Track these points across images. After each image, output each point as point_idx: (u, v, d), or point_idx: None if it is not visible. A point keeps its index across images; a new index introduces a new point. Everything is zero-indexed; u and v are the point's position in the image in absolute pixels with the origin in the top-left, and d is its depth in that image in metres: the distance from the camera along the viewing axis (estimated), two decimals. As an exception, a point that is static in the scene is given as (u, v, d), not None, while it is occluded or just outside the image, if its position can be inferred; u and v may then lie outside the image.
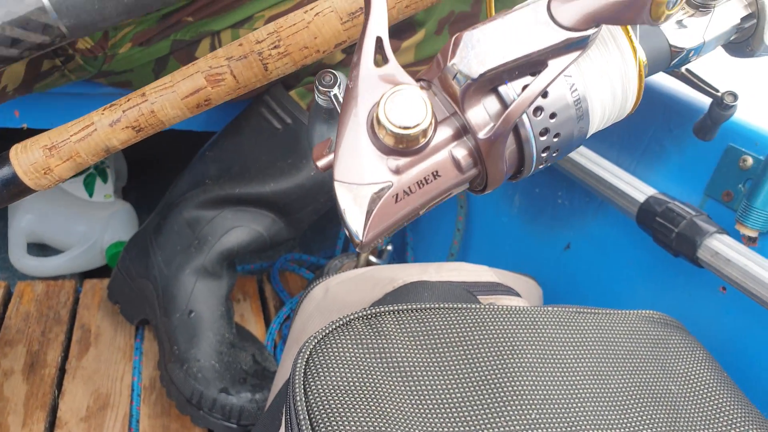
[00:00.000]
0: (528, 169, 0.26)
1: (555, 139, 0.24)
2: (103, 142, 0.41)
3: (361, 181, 0.25)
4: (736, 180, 0.58)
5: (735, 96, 0.42)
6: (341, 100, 0.29)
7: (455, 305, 0.48)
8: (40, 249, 1.03)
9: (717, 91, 0.42)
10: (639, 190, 0.62)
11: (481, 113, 0.24)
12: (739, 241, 0.56)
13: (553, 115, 0.25)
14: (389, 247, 0.89)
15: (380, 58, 0.26)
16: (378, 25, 0.25)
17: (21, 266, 0.96)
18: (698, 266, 0.57)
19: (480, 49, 0.22)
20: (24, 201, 0.98)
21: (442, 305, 0.48)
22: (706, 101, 0.62)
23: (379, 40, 0.25)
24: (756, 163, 0.56)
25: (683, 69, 0.42)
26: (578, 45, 0.21)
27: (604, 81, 0.27)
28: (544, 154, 0.25)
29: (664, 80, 0.68)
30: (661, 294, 0.64)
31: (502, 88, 0.24)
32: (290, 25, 0.42)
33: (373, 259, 0.88)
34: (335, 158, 0.26)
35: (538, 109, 0.24)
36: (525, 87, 0.23)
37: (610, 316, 0.51)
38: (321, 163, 0.28)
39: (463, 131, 0.25)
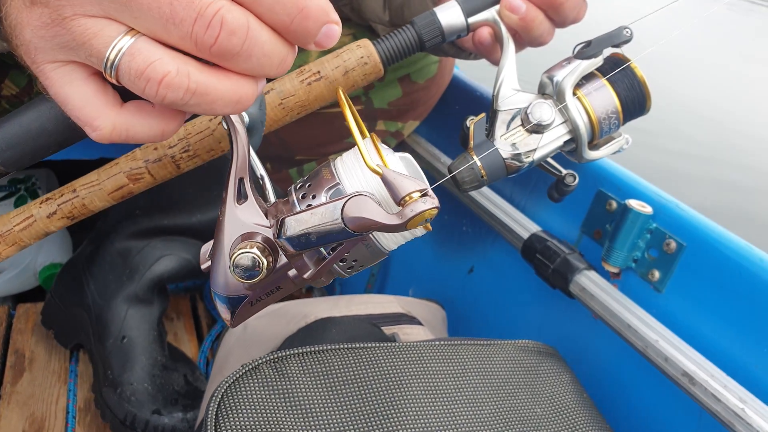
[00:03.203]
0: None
1: (354, 263, 0.33)
2: (42, 230, 0.48)
3: (226, 293, 0.33)
4: (604, 221, 0.67)
5: (574, 177, 0.50)
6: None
7: (353, 345, 0.55)
8: (-29, 272, 1.04)
9: (560, 172, 0.51)
10: (524, 227, 0.70)
11: (305, 263, 0.31)
12: (606, 276, 0.65)
13: (354, 259, 0.32)
14: (315, 268, 0.96)
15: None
16: (240, 169, 0.32)
17: (-48, 291, 0.97)
18: (571, 298, 0.66)
19: (295, 230, 0.29)
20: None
21: (341, 346, 0.55)
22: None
23: (241, 181, 0.32)
24: (619, 207, 0.65)
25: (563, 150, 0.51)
26: (361, 236, 0.29)
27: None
28: (349, 269, 0.33)
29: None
30: (545, 319, 0.73)
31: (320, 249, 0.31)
32: (197, 132, 0.49)
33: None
34: (211, 271, 0.33)
35: (343, 260, 0.32)
36: (334, 248, 0.30)
37: (489, 347, 0.60)
38: (203, 267, 0.34)
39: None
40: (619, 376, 0.65)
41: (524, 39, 0.53)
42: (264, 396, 0.50)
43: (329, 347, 0.55)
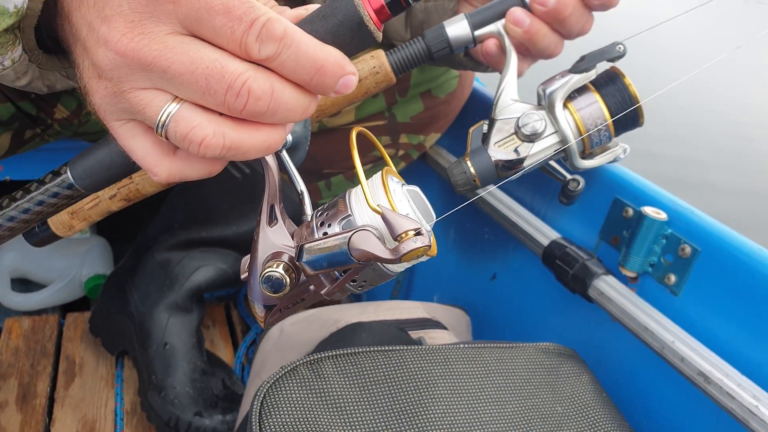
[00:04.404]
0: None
1: (363, 282, 0.37)
2: (106, 209, 0.58)
3: (260, 301, 0.39)
4: (621, 227, 0.70)
5: (578, 182, 0.53)
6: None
7: (383, 348, 0.59)
8: (23, 283, 1.11)
9: (564, 177, 0.54)
10: (544, 234, 0.74)
11: (321, 281, 0.37)
12: (624, 281, 0.68)
13: (363, 280, 0.37)
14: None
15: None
16: (271, 197, 0.38)
17: (7, 302, 1.04)
18: (590, 302, 0.69)
19: (310, 256, 0.35)
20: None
21: (372, 348, 0.59)
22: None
23: (272, 207, 0.38)
24: (635, 213, 0.68)
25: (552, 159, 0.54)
26: (365, 264, 0.34)
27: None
28: (360, 288, 0.38)
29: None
30: (566, 323, 0.76)
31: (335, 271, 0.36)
32: None
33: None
34: (248, 281, 0.38)
35: (354, 280, 0.37)
36: (345, 270, 0.35)
37: (511, 350, 0.63)
38: (242, 277, 0.40)
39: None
40: (638, 377, 0.67)
41: (532, 51, 0.56)
42: (303, 395, 0.54)
43: (361, 350, 0.59)
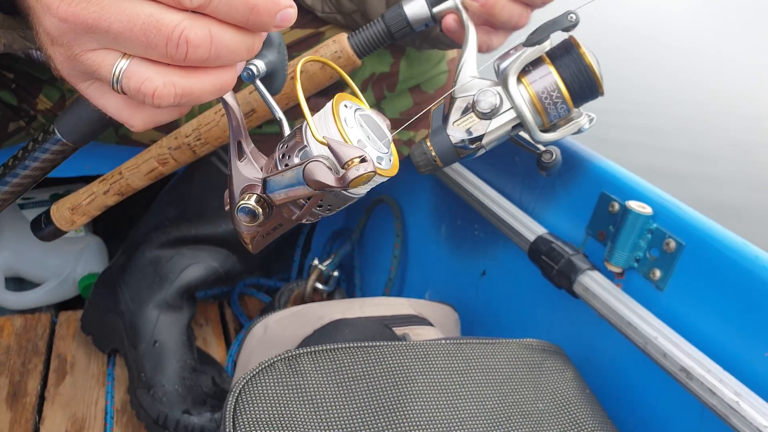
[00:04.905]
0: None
1: (329, 206, 0.39)
2: (102, 203, 0.62)
3: (242, 229, 0.41)
4: (607, 222, 0.69)
5: (551, 154, 0.52)
6: None
7: (362, 344, 0.59)
8: (17, 282, 1.11)
9: (537, 150, 0.53)
10: (530, 229, 0.73)
11: (290, 208, 0.39)
12: (610, 276, 0.67)
13: (329, 204, 0.39)
14: (335, 273, 1.00)
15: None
16: (236, 134, 0.40)
17: (0, 301, 1.04)
18: (576, 298, 0.68)
19: (272, 188, 0.38)
20: (1, 239, 1.07)
21: (351, 345, 0.59)
22: (588, 152, 0.74)
23: (239, 143, 0.40)
24: (620, 208, 0.67)
25: (513, 135, 0.53)
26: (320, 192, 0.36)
27: None
28: (327, 211, 0.40)
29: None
30: (553, 319, 0.75)
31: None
32: (206, 122, 0.60)
33: (319, 285, 0.98)
34: (231, 213, 0.40)
35: (319, 205, 0.39)
36: (309, 197, 0.37)
37: (493, 346, 0.62)
38: (226, 209, 0.42)
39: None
40: (623, 374, 0.67)
41: (496, 24, 0.54)
42: (278, 391, 0.54)
43: (340, 346, 0.58)
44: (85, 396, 0.91)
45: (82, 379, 0.93)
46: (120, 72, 0.33)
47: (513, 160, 0.83)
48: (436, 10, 0.55)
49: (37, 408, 0.88)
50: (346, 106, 0.38)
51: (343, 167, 0.33)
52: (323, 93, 0.82)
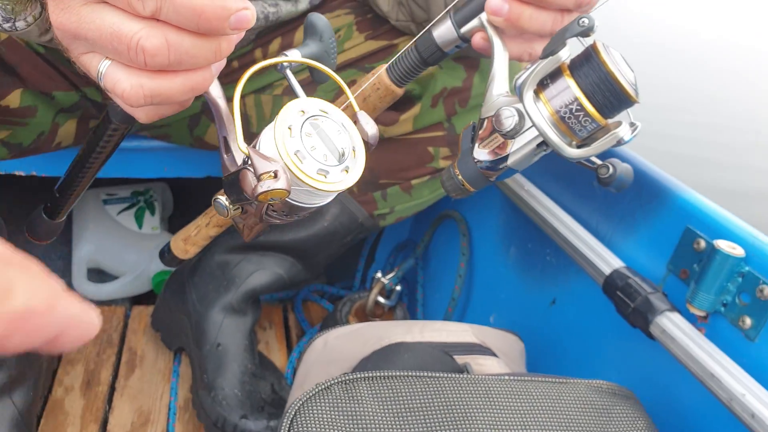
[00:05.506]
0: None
1: (285, 215, 0.39)
2: (206, 234, 0.68)
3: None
4: (691, 260, 0.64)
5: (607, 168, 0.47)
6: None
7: (422, 374, 0.57)
8: (98, 274, 1.17)
9: (594, 164, 0.48)
10: (606, 262, 0.69)
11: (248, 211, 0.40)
12: (692, 320, 0.62)
13: (284, 212, 0.39)
14: (398, 287, 0.98)
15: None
16: (220, 128, 0.41)
17: (81, 291, 1.10)
18: (652, 339, 0.63)
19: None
20: (86, 233, 1.13)
21: (411, 374, 0.57)
22: (672, 181, 0.69)
23: (225, 138, 0.41)
24: (707, 246, 0.62)
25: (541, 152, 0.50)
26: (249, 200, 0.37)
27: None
28: (287, 217, 0.40)
29: (637, 155, 0.74)
30: (625, 359, 0.71)
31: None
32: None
33: (381, 299, 0.97)
34: None
35: (276, 212, 0.39)
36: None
37: (560, 386, 0.59)
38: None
39: None
40: (701, 428, 0.62)
41: (528, 35, 0.51)
42: (333, 416, 0.53)
43: (399, 374, 0.57)
44: (151, 390, 0.94)
45: (150, 373, 0.97)
46: (101, 74, 0.36)
47: (590, 183, 0.79)
48: (463, 30, 0.53)
49: (108, 398, 0.92)
50: (303, 111, 0.37)
51: (258, 179, 0.33)
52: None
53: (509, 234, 0.91)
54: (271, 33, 0.83)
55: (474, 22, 0.52)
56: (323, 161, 0.36)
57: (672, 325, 0.61)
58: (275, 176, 0.33)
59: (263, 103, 0.85)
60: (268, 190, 0.33)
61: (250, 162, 0.35)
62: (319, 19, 0.48)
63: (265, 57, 0.85)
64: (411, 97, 0.81)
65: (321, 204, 0.39)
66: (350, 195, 0.89)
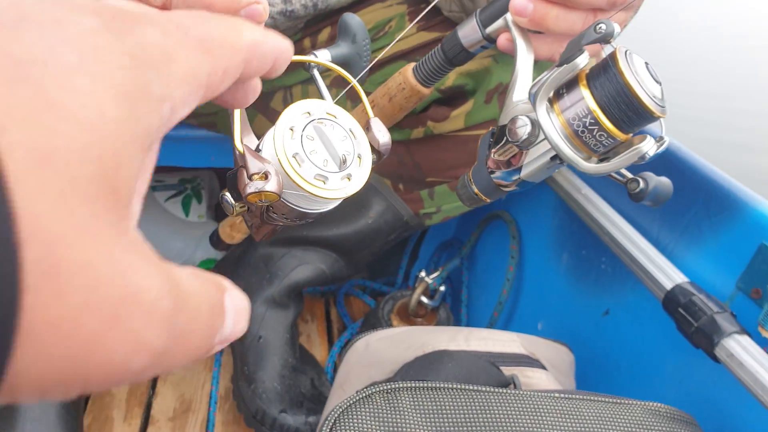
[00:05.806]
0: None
1: (285, 218, 0.37)
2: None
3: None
4: (765, 279, 0.59)
5: (638, 182, 0.43)
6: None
7: (468, 387, 0.55)
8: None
9: (624, 177, 0.44)
10: (667, 276, 0.64)
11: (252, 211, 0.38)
12: (763, 343, 0.58)
13: (283, 214, 0.36)
14: (442, 288, 0.96)
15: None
16: (237, 139, 0.38)
17: (129, 275, 1.12)
18: (716, 362, 0.59)
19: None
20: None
21: (455, 386, 0.55)
22: (747, 193, 0.64)
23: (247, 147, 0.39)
24: (785, 266, 0.57)
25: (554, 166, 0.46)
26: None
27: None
28: (287, 219, 0.37)
29: (706, 164, 0.69)
30: (685, 380, 0.66)
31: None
32: None
33: (424, 299, 0.95)
34: None
35: (281, 214, 0.36)
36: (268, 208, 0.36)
37: (615, 406, 0.56)
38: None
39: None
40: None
41: (558, 36, 0.48)
42: (374, 426, 0.51)
43: (443, 385, 0.55)
44: (193, 379, 0.95)
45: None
46: None
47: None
48: (488, 30, 0.50)
49: (152, 383, 0.93)
50: (308, 113, 0.34)
51: (249, 179, 0.32)
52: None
53: (563, 238, 0.87)
54: (321, 22, 0.82)
55: (499, 22, 0.49)
56: (322, 166, 0.34)
57: (741, 349, 0.56)
58: (266, 177, 0.32)
59: (294, 98, 0.84)
60: (256, 192, 0.32)
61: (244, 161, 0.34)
62: (352, 19, 0.47)
63: (314, 47, 0.83)
64: (464, 92, 0.78)
65: (323, 210, 0.37)
66: (396, 192, 0.87)
